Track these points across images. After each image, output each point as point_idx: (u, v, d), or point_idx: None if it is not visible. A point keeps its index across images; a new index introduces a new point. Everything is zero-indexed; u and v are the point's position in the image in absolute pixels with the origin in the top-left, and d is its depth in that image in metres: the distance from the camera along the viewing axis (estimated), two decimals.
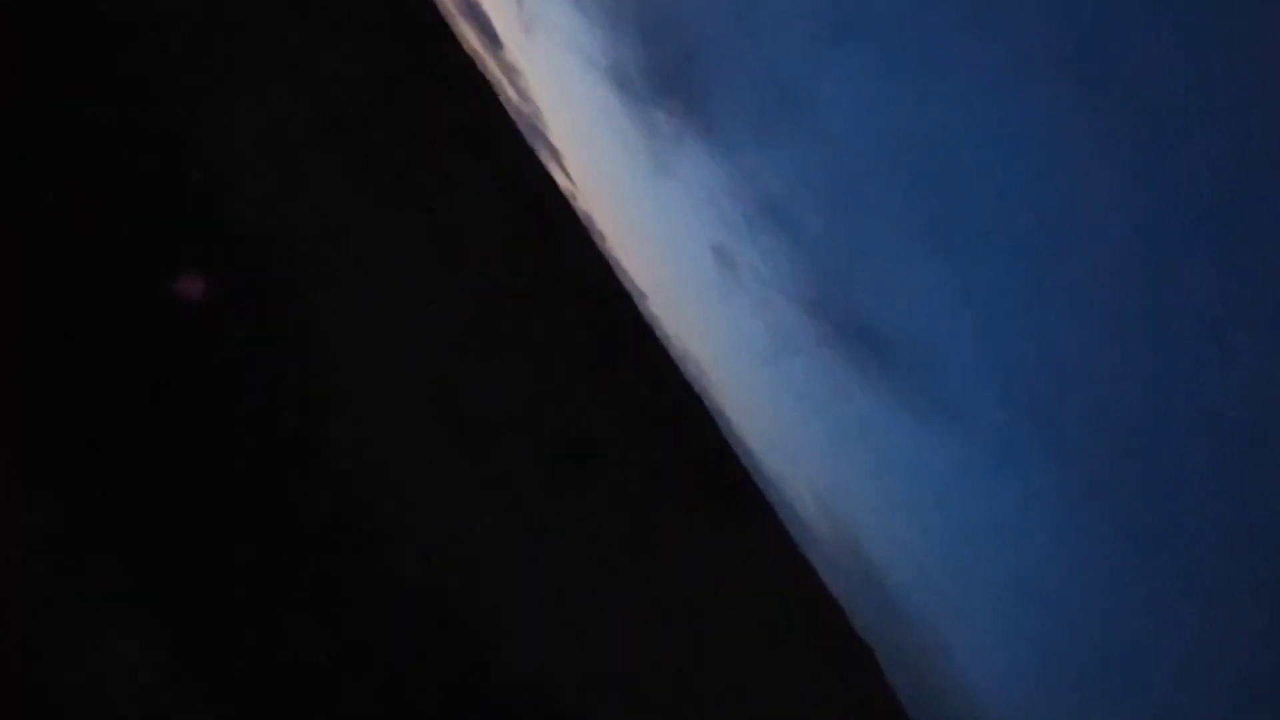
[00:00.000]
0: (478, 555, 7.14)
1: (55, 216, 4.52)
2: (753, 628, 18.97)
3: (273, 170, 7.94)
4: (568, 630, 7.70)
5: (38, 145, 4.95)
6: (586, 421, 17.18)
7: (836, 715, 24.44)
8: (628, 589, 11.18)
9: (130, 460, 3.79)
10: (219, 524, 4.07)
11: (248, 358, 5.50)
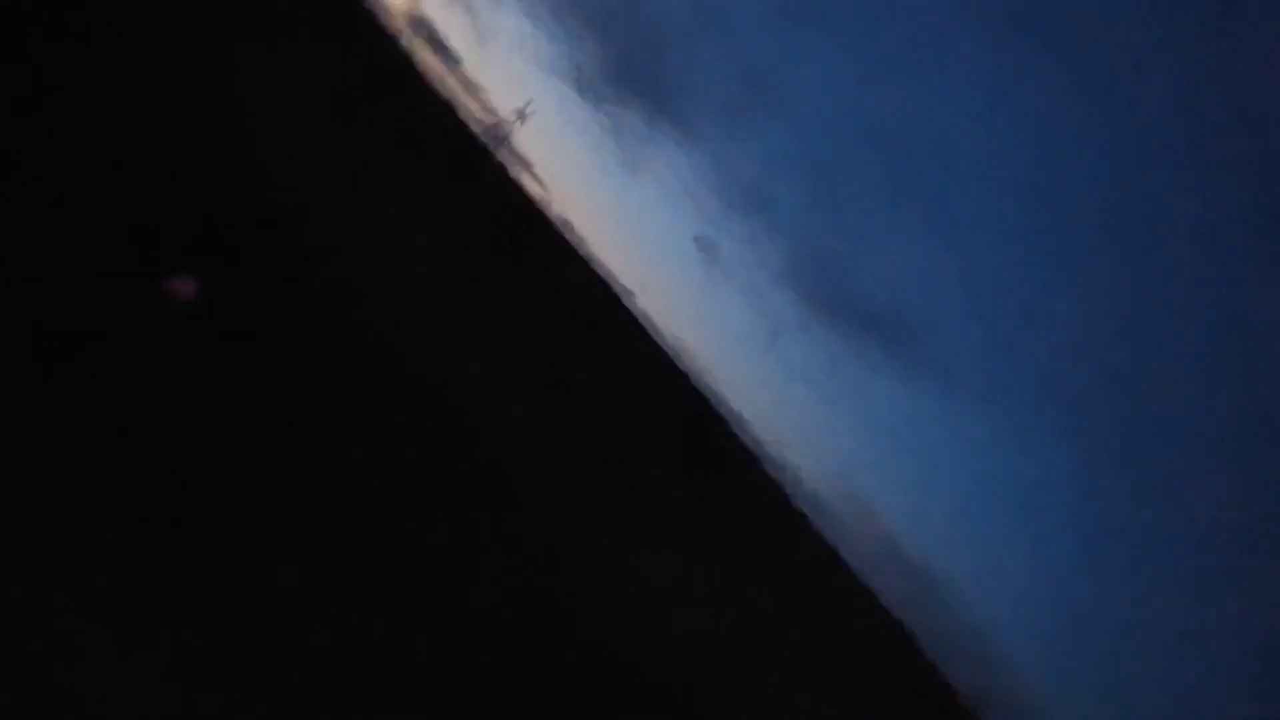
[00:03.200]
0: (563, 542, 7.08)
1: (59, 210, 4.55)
2: (778, 608, 18.92)
3: (261, 171, 7.90)
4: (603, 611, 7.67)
5: (44, 145, 4.97)
6: (593, 421, 17.10)
7: (873, 687, 24.41)
8: (661, 578, 11.10)
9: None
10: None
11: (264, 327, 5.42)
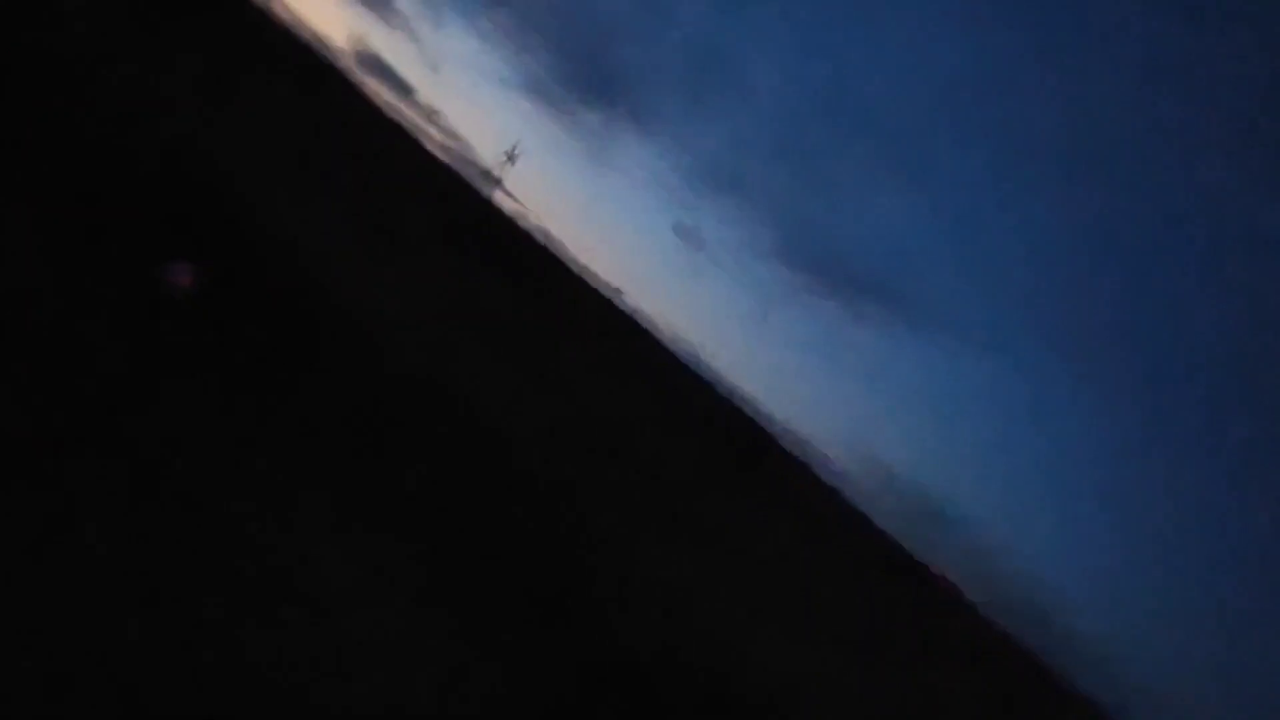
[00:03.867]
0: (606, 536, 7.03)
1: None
2: (815, 580, 18.89)
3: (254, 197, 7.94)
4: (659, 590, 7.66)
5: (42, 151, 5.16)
6: (600, 420, 17.03)
7: (922, 646, 24.44)
8: (698, 569, 11.08)
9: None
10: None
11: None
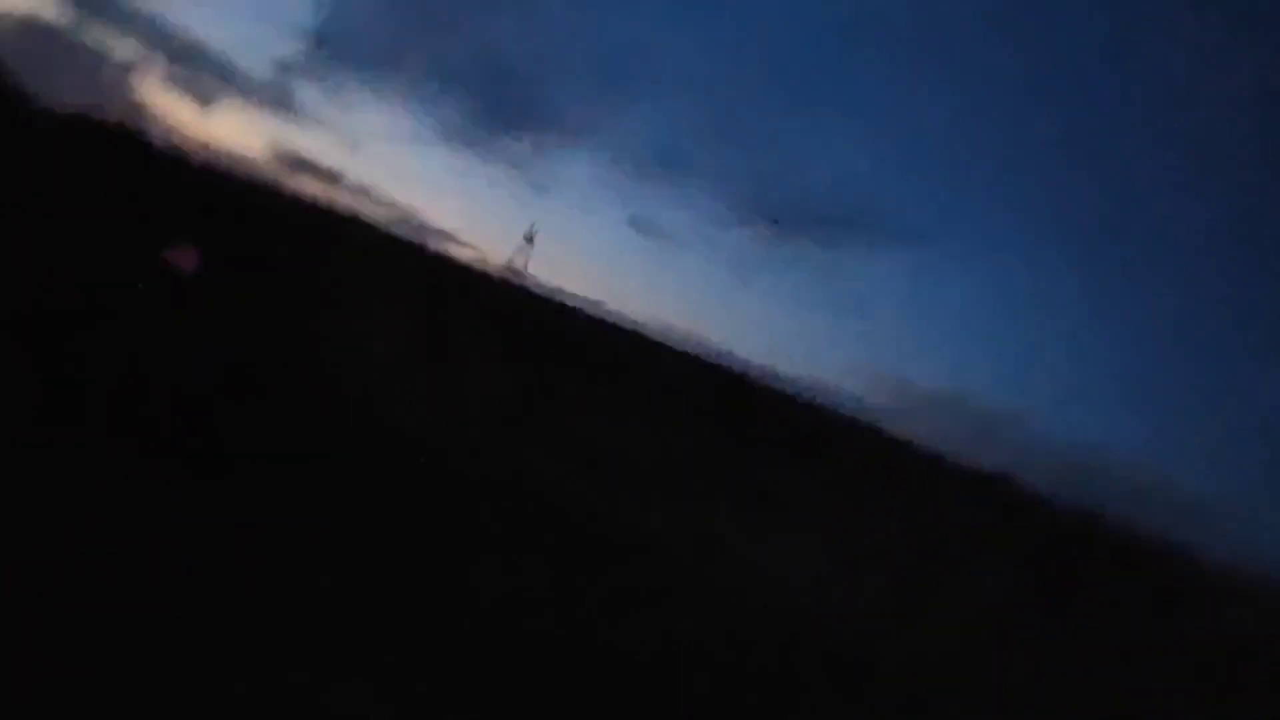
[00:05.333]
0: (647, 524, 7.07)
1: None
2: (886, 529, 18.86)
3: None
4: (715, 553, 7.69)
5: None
6: (620, 427, 17.03)
7: (984, 524, 24.25)
8: (764, 547, 11.13)
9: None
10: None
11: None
